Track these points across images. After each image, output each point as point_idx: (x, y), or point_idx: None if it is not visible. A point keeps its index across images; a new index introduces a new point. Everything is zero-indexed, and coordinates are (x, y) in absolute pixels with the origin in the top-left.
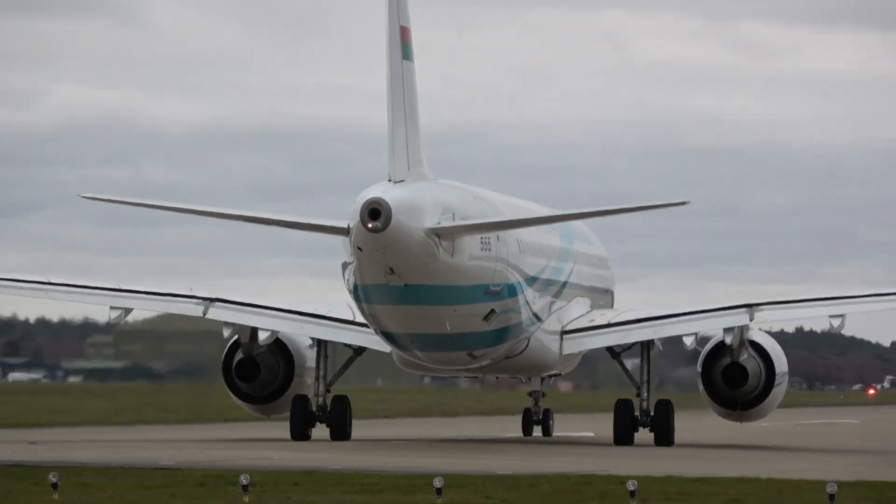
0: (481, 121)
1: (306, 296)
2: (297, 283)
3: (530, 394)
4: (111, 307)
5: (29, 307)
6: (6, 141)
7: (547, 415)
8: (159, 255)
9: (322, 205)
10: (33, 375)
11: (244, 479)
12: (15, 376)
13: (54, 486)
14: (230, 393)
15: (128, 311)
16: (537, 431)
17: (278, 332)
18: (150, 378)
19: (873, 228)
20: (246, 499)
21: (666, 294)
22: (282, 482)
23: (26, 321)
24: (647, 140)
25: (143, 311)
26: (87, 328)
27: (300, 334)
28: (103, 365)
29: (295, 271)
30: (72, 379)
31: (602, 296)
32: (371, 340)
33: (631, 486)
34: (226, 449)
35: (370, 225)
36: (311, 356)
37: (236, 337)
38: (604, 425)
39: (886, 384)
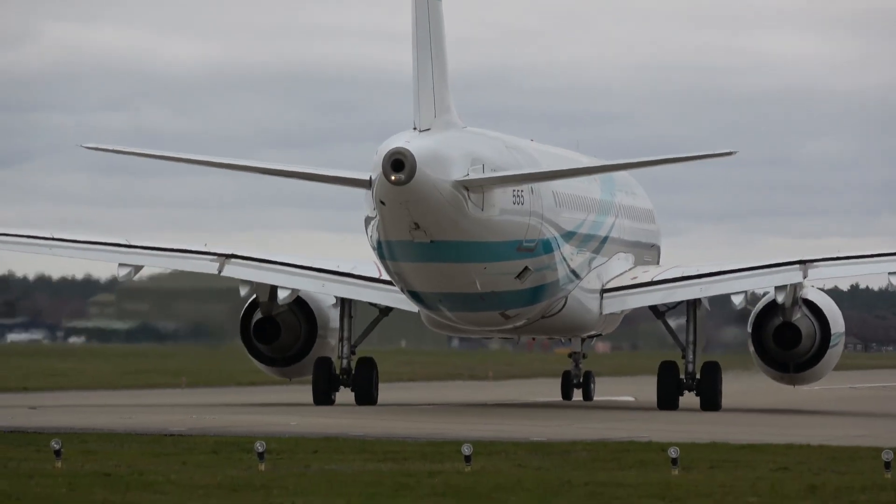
0: (511, 65)
1: (323, 251)
2: (315, 237)
3: (570, 355)
4: (120, 265)
5: (27, 264)
6: None
7: (588, 378)
8: (164, 207)
9: (339, 154)
10: (32, 336)
11: (260, 447)
12: (13, 337)
13: (57, 453)
14: (249, 355)
15: (138, 268)
16: (577, 395)
17: (299, 290)
18: (157, 339)
19: None
20: (262, 467)
21: (711, 249)
22: (300, 449)
23: (24, 279)
24: (689, 85)
25: (152, 268)
26: (89, 286)
27: (323, 293)
28: (107, 325)
29: (311, 224)
30: (73, 340)
31: (647, 251)
32: (398, 300)
33: (673, 453)
34: (240, 414)
35: (393, 177)
36: (334, 316)
37: (254, 296)
38: (644, 389)
39: None
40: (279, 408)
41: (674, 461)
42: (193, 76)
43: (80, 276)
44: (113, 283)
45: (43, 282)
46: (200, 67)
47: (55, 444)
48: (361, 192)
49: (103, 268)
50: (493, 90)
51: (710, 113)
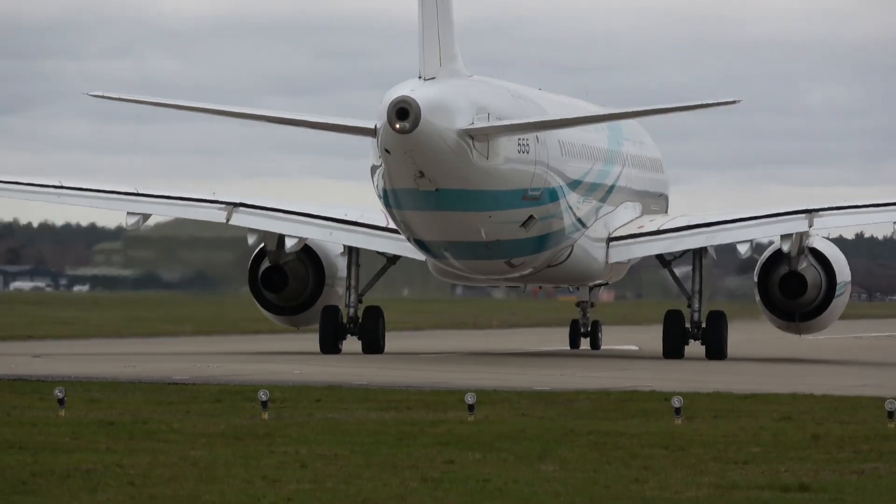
0: (515, 12)
1: (329, 199)
2: (320, 185)
3: (578, 304)
4: (128, 213)
5: (31, 211)
6: None
7: (596, 326)
8: (168, 155)
9: (344, 102)
10: (37, 284)
11: (263, 395)
12: (17, 285)
13: (60, 401)
14: (257, 304)
15: (146, 217)
16: (585, 344)
17: (307, 238)
18: (162, 287)
19: None
20: (265, 415)
21: (716, 198)
22: (303, 398)
23: (28, 226)
24: (694, 33)
25: (158, 216)
26: (94, 234)
27: (330, 241)
28: (112, 273)
29: (317, 172)
30: (78, 288)
31: (655, 200)
32: (406, 248)
33: (676, 402)
34: (244, 363)
35: (398, 126)
36: (341, 265)
37: (262, 245)
38: (648, 338)
39: None
40: (284, 356)
41: (677, 411)
42: (198, 23)
43: (84, 223)
44: (118, 232)
45: (47, 229)
46: (205, 15)
47: (59, 393)
48: (367, 140)
49: (108, 216)
50: (499, 38)
51: (715, 61)
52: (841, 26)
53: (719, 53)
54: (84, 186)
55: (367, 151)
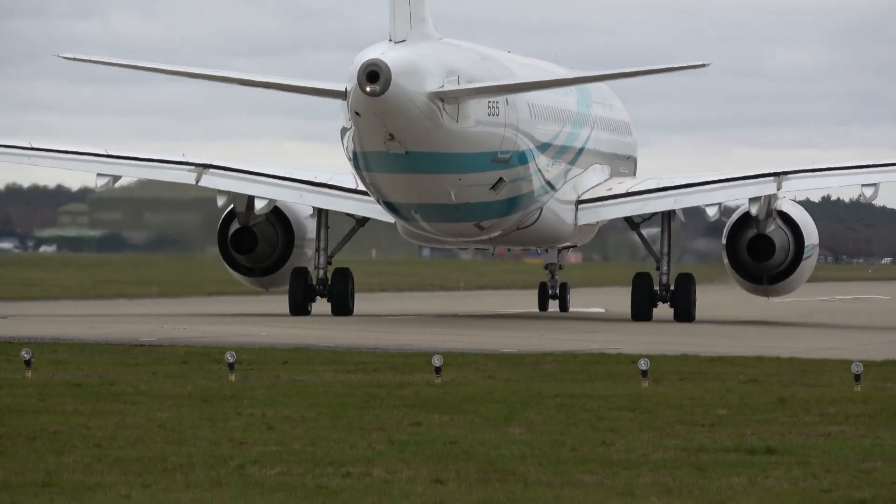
0: None
1: (292, 161)
2: (286, 147)
3: (546, 266)
4: (98, 174)
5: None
6: None
7: (564, 289)
8: (136, 116)
9: (312, 63)
10: (3, 245)
11: (230, 357)
12: None
13: (27, 363)
14: (226, 266)
15: (116, 178)
16: (553, 307)
17: (276, 200)
18: (129, 249)
19: None
20: (232, 377)
21: (682, 161)
22: (270, 360)
23: None
24: None
25: (129, 177)
26: (61, 195)
27: (299, 203)
28: (79, 234)
29: (285, 134)
30: (44, 249)
31: (623, 163)
32: (375, 210)
33: (643, 365)
34: (211, 325)
35: (368, 88)
36: (311, 227)
37: (231, 206)
38: (615, 299)
39: None
40: (253, 318)
41: (643, 373)
42: None
43: (51, 185)
44: (84, 193)
45: (13, 191)
46: None
47: (25, 354)
48: (337, 103)
49: (75, 177)
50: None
51: (682, 22)
52: None
53: (687, 15)
54: (54, 148)
55: (337, 113)
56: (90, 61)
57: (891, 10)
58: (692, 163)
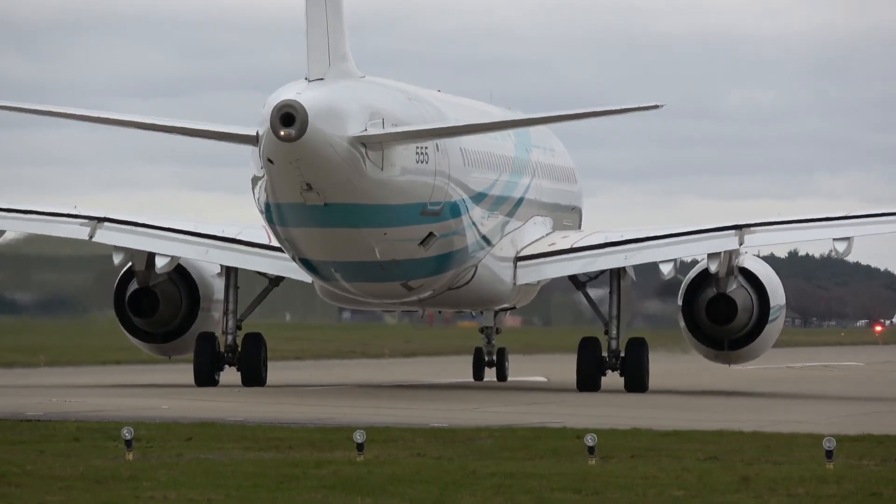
0: (405, 5)
1: (194, 213)
2: (187, 198)
3: (482, 330)
4: None
5: None
6: None
7: (502, 355)
8: (15, 164)
9: (212, 104)
10: None
11: (127, 433)
12: None
13: None
14: (123, 330)
15: (0, 233)
16: (490, 375)
17: (179, 257)
18: (14, 312)
19: (874, 132)
20: (129, 456)
21: (630, 211)
22: (172, 436)
23: None
24: (602, 28)
25: (14, 232)
26: None
27: (205, 261)
28: None
29: (184, 183)
30: None
31: (567, 215)
32: (290, 268)
33: (590, 440)
34: (106, 397)
35: (282, 132)
36: (218, 287)
37: (129, 264)
38: (558, 367)
39: None
40: (153, 390)
41: (591, 450)
42: (46, 17)
43: None
44: None
45: None
46: (53, 7)
47: None
48: (247, 149)
49: None
50: (387, 34)
51: (626, 58)
52: (765, 21)
53: (630, 50)
54: None
55: (247, 161)
56: None
57: (857, 46)
58: (639, 215)
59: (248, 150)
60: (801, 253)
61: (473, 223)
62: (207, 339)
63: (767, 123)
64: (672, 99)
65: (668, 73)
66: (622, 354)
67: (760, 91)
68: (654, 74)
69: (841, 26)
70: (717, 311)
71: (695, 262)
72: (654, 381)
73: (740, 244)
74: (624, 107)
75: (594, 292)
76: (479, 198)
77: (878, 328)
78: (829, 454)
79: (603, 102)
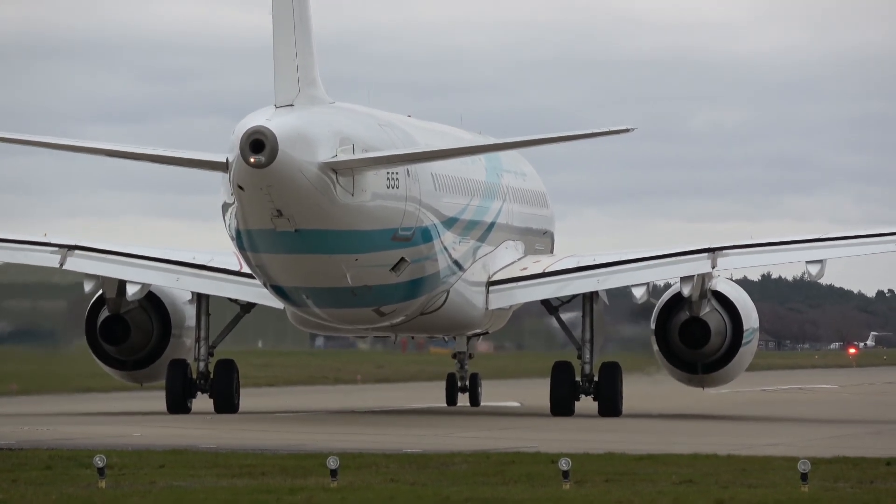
0: (363, 27)
1: (163, 240)
2: (155, 225)
3: (454, 355)
4: None
5: None
6: None
7: (475, 380)
8: None
9: (176, 130)
10: None
11: (100, 461)
12: None
13: None
14: (95, 358)
15: None
16: (463, 400)
17: (150, 284)
18: None
19: (844, 153)
20: (102, 483)
21: (600, 235)
22: (145, 464)
23: None
24: (567, 48)
25: None
26: None
27: (176, 288)
28: None
29: (151, 210)
30: None
31: (539, 239)
32: (261, 295)
33: (564, 465)
34: (78, 425)
35: (252, 159)
36: (190, 313)
37: (100, 292)
38: (532, 392)
39: (870, 342)
40: (126, 417)
41: (565, 474)
42: (4, 41)
43: None
44: None
45: None
46: (12, 31)
47: None
48: (217, 176)
49: None
50: (349, 57)
51: (590, 80)
52: (730, 42)
53: (595, 71)
54: None
55: (217, 187)
56: None
57: (824, 65)
58: (606, 238)
59: (219, 177)
60: (774, 276)
61: (445, 248)
62: (179, 366)
63: (735, 145)
64: (639, 121)
65: (634, 94)
66: (595, 378)
67: (727, 112)
68: (621, 96)
69: (807, 47)
70: (691, 335)
71: (668, 286)
72: (627, 404)
73: (713, 267)
74: (594, 131)
75: (566, 315)
76: (450, 223)
77: (852, 351)
78: (804, 477)
79: (570, 125)
